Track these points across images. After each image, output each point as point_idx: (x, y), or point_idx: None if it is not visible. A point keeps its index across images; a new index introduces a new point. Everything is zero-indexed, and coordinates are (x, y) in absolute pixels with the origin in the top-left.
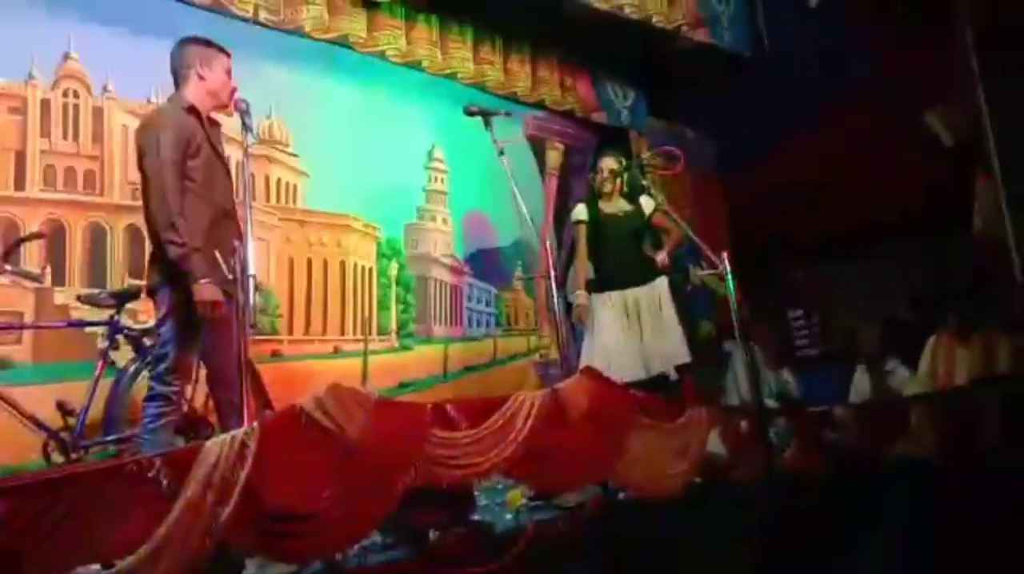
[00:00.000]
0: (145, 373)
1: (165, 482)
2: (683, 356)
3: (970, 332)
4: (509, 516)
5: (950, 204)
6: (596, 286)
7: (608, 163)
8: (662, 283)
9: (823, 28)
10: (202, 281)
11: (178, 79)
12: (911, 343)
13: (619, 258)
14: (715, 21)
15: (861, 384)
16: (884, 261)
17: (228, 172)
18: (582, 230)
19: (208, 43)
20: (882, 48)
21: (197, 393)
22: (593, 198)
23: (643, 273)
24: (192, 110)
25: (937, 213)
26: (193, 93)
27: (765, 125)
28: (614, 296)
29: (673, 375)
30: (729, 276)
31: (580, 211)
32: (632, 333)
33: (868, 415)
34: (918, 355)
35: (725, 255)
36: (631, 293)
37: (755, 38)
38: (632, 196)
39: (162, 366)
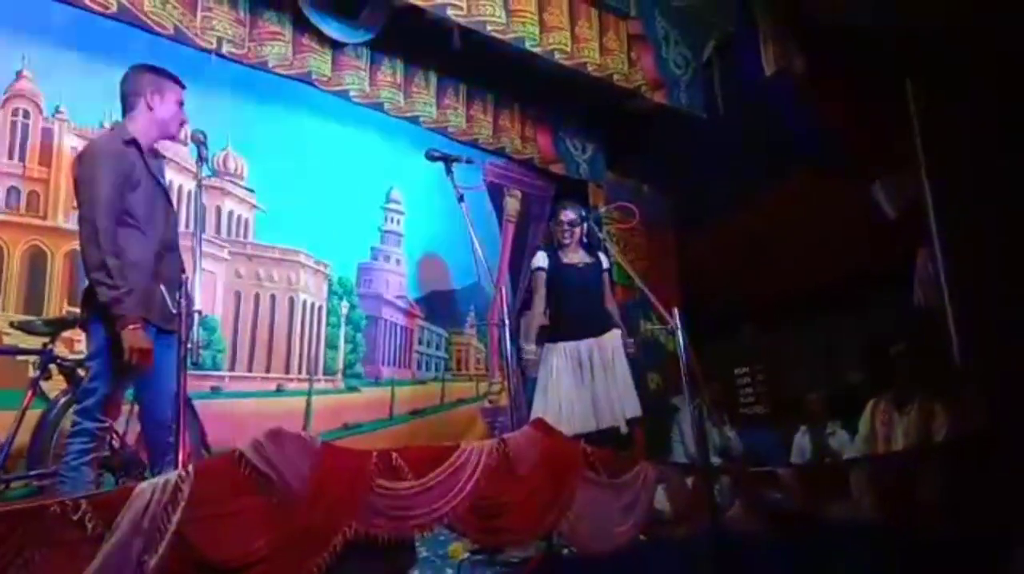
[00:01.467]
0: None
1: (91, 525)
2: (634, 410)
3: (908, 399)
4: (450, 571)
5: (893, 273)
6: (551, 336)
7: (568, 214)
8: (615, 336)
9: (777, 96)
10: (131, 327)
11: (126, 105)
12: (853, 407)
13: (575, 309)
14: (673, 83)
15: (802, 445)
16: (829, 325)
17: (171, 203)
18: (541, 277)
19: (162, 72)
20: (832, 119)
21: (131, 430)
22: (552, 248)
23: (598, 325)
24: (132, 142)
25: (881, 281)
26: (139, 123)
27: (719, 186)
28: (568, 347)
29: (624, 428)
30: (679, 331)
31: (541, 258)
32: (584, 385)
33: (810, 476)
34: (858, 419)
35: (676, 310)
36: (585, 344)
37: (711, 101)
38: (591, 248)
39: (89, 401)
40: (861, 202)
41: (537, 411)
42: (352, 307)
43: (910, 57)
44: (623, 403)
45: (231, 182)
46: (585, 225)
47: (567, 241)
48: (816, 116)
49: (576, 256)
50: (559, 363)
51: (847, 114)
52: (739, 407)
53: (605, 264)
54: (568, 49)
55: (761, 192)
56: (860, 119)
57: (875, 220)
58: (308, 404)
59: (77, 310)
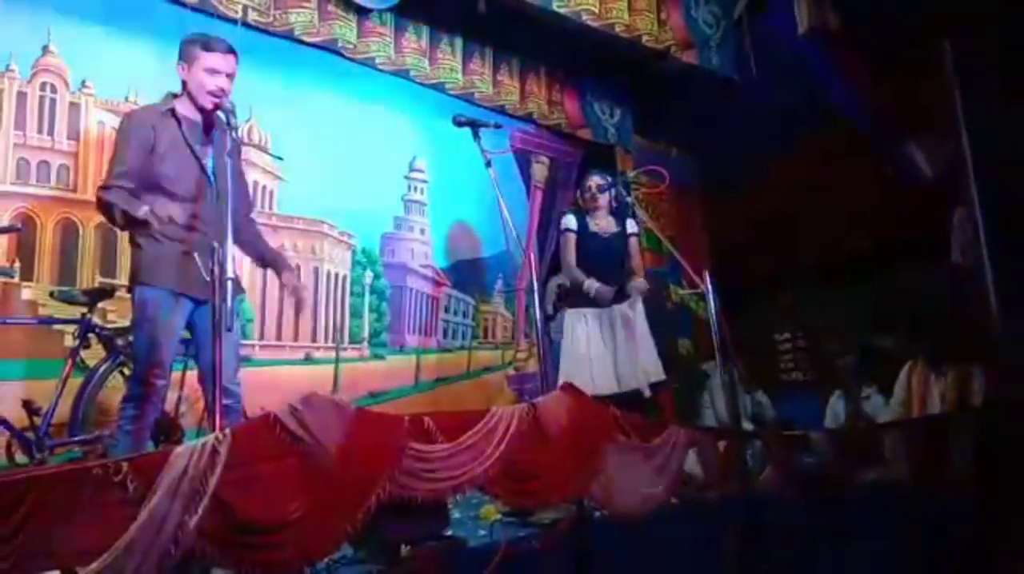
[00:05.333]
0: (116, 374)
1: (132, 487)
2: (657, 373)
3: (945, 362)
4: (483, 532)
5: (930, 234)
6: (575, 302)
7: (595, 179)
8: (638, 301)
9: (810, 55)
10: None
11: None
12: (888, 370)
13: (602, 276)
14: (704, 43)
15: (836, 409)
16: (863, 288)
17: (207, 175)
18: (571, 238)
19: (195, 40)
20: (868, 78)
21: (168, 396)
22: (580, 213)
23: (623, 291)
24: (170, 111)
25: (916, 242)
26: (182, 95)
27: (750, 148)
28: (591, 312)
29: (647, 392)
30: (710, 295)
31: (570, 220)
32: (607, 348)
33: (843, 440)
34: (894, 382)
35: (706, 274)
36: (608, 310)
37: (743, 62)
38: (619, 214)
39: (136, 366)
40: (894, 162)
41: (562, 376)
42: (376, 277)
43: (947, 12)
44: (645, 367)
45: (256, 152)
46: (613, 191)
47: (595, 206)
48: (850, 76)
49: (604, 223)
50: (582, 328)
51: (882, 73)
52: (779, 373)
53: (632, 229)
54: (596, 9)
55: (794, 154)
56: (895, 76)
57: (912, 180)
58: (336, 372)
59: (109, 281)
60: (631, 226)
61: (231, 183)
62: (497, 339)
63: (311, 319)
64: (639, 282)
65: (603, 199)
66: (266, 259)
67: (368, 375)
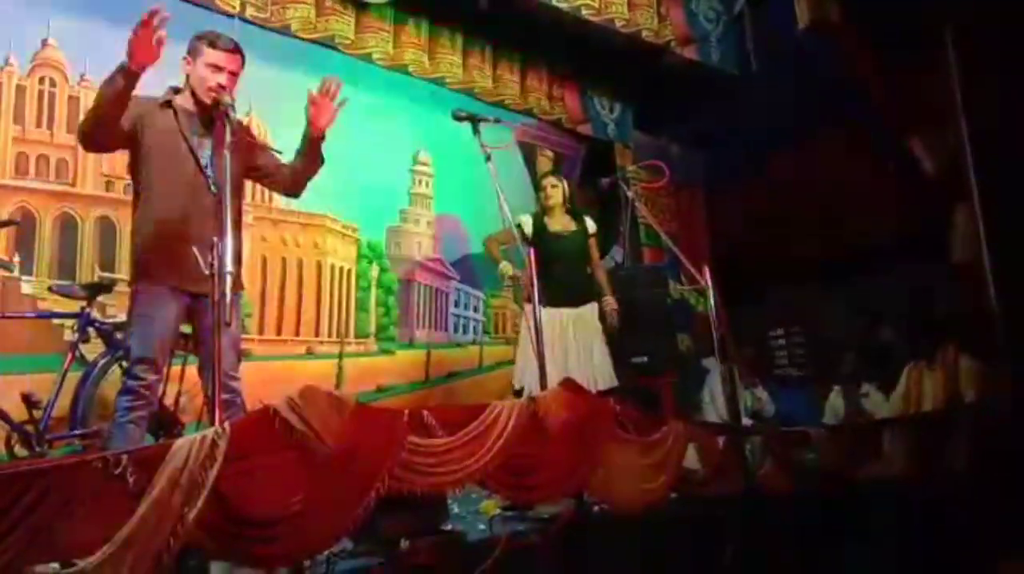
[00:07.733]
0: (115, 368)
1: (132, 480)
2: (606, 382)
3: (943, 358)
4: (482, 526)
5: (931, 231)
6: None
7: (550, 179)
8: (593, 308)
9: (810, 51)
10: None
11: None
12: (887, 367)
13: (557, 277)
14: (704, 39)
15: (835, 405)
16: (863, 285)
17: (200, 167)
18: (517, 237)
19: (202, 36)
20: (869, 73)
21: (168, 390)
22: (539, 214)
23: (579, 294)
24: (167, 104)
25: (917, 239)
26: (185, 88)
27: (750, 144)
28: (549, 312)
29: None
30: (710, 291)
31: (524, 221)
32: (557, 351)
33: (842, 436)
34: (893, 379)
35: (706, 270)
36: (566, 312)
37: (743, 57)
38: (576, 213)
39: (131, 360)
40: (896, 159)
41: (516, 371)
42: (383, 270)
43: (948, 8)
44: (596, 374)
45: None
46: (567, 188)
47: (548, 204)
48: (851, 70)
49: (561, 222)
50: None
51: (883, 67)
52: (774, 369)
53: (591, 229)
54: (596, 4)
55: (793, 150)
56: (897, 71)
57: (912, 176)
58: (339, 367)
59: (108, 275)
60: (590, 225)
61: (229, 177)
62: (508, 333)
63: (314, 313)
64: (608, 301)
65: (556, 198)
66: None
67: (376, 370)
